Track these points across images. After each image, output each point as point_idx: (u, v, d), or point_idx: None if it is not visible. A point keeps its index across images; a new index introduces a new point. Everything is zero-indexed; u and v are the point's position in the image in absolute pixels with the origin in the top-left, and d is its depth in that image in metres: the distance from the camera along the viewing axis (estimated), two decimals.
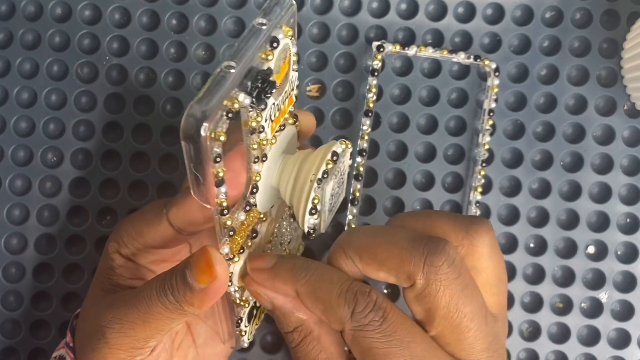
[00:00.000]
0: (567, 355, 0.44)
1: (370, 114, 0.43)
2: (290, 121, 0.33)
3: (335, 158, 0.31)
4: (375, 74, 0.43)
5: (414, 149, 0.45)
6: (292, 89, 0.32)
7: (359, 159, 0.43)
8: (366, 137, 0.43)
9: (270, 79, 0.28)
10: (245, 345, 0.37)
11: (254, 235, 0.33)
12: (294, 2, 0.29)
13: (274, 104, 0.30)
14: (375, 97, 0.43)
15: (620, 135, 0.44)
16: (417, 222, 0.33)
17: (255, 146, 0.30)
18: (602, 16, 0.44)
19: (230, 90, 0.27)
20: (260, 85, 0.28)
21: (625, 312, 0.45)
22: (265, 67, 0.28)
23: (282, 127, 0.32)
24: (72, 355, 0.35)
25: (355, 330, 0.30)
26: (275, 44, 0.28)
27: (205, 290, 0.31)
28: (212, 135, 0.26)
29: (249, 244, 0.33)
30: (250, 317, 0.36)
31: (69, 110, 0.44)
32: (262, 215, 0.33)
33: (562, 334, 0.45)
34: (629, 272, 0.44)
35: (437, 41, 0.45)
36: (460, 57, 0.43)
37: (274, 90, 0.29)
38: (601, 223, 0.45)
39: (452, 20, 0.44)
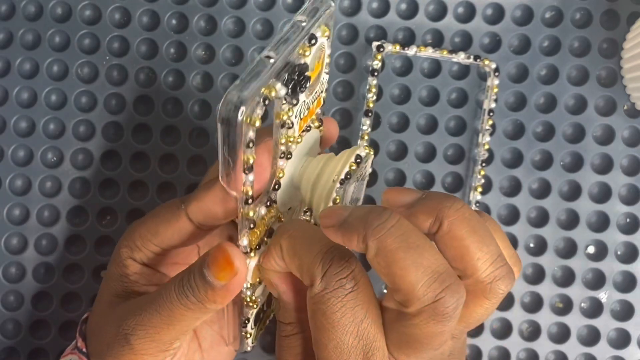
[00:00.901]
0: (567, 355, 0.44)
1: (370, 114, 0.43)
2: (316, 124, 0.33)
3: (358, 161, 0.32)
4: (375, 74, 0.43)
5: (414, 149, 0.45)
6: (322, 91, 0.33)
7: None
8: (366, 137, 0.43)
9: (306, 73, 0.29)
10: (249, 349, 0.37)
11: (271, 234, 0.33)
12: (333, 4, 0.30)
13: (304, 101, 0.31)
14: (375, 97, 0.43)
15: (620, 135, 0.44)
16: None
17: (283, 141, 0.30)
18: (602, 16, 0.44)
19: (268, 79, 0.27)
20: (297, 78, 0.29)
21: (625, 312, 0.45)
22: (302, 62, 0.29)
23: (308, 128, 0.33)
24: (84, 359, 0.35)
25: (321, 291, 0.29)
26: (313, 41, 0.29)
27: (227, 286, 0.31)
28: (248, 121, 0.27)
29: (266, 241, 0.33)
30: (257, 319, 0.36)
31: (69, 110, 0.44)
32: (280, 215, 0.33)
33: (562, 334, 0.45)
34: (628, 272, 0.44)
35: (437, 41, 0.45)
36: (460, 57, 0.43)
37: (308, 85, 0.29)
38: (601, 223, 0.45)
39: (452, 21, 0.44)
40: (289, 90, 0.29)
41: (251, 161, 0.28)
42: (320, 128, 0.34)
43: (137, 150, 0.44)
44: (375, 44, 0.43)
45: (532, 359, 0.45)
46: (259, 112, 0.27)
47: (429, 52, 0.43)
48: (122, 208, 0.44)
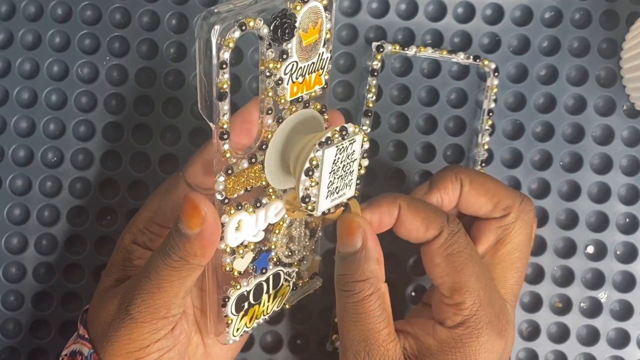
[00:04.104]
0: (566, 355, 0.44)
1: (369, 114, 0.43)
2: (318, 107, 0.34)
3: (344, 133, 0.32)
4: (375, 74, 0.43)
5: (413, 149, 0.45)
6: (323, 69, 0.33)
7: None
8: (366, 137, 0.43)
9: (293, 22, 0.30)
10: (231, 341, 0.37)
11: (258, 204, 0.34)
12: None
13: (296, 62, 0.31)
14: (374, 97, 0.43)
15: (619, 136, 0.44)
16: (478, 191, 0.37)
17: (270, 94, 0.31)
18: (602, 16, 0.44)
19: (250, 12, 0.29)
20: (280, 20, 0.30)
21: (624, 311, 0.45)
22: (288, 9, 0.30)
23: (306, 105, 0.34)
24: (89, 345, 0.36)
25: (450, 234, 0.35)
26: None
27: (201, 234, 0.32)
28: (220, 41, 0.28)
29: (250, 209, 0.33)
30: (239, 307, 0.36)
31: (69, 110, 0.44)
32: (269, 188, 0.34)
33: (561, 334, 0.45)
34: (628, 272, 0.45)
35: (437, 41, 0.45)
36: (460, 58, 0.43)
37: (293, 34, 0.30)
38: (600, 223, 0.45)
39: (451, 21, 0.45)
40: (271, 31, 0.30)
41: (225, 87, 0.29)
42: (325, 116, 0.35)
43: (137, 150, 0.44)
44: (375, 44, 0.43)
45: (531, 359, 0.45)
46: (234, 35, 0.28)
47: (428, 53, 0.43)
48: (122, 208, 0.44)
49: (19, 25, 0.44)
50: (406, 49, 0.43)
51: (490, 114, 0.44)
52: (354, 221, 0.35)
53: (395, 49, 0.43)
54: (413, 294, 0.45)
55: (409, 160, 0.45)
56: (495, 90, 0.44)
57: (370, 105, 0.43)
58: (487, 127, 0.44)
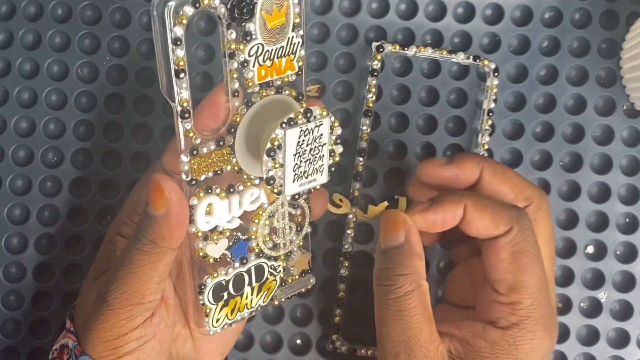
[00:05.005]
0: (566, 355, 0.44)
1: (369, 114, 0.43)
2: (294, 94, 0.34)
3: (308, 114, 0.33)
4: (375, 74, 0.43)
5: (413, 149, 0.45)
6: (294, 54, 0.33)
7: (359, 159, 0.43)
8: (366, 137, 0.43)
9: (251, 3, 0.31)
10: (211, 332, 0.37)
11: (231, 190, 0.34)
12: None
13: (262, 45, 0.32)
14: (374, 98, 0.43)
15: (619, 136, 0.44)
16: (500, 180, 0.37)
17: (235, 75, 0.32)
18: (602, 16, 0.44)
19: None
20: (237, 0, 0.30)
21: (624, 311, 0.45)
22: None
23: (279, 90, 0.34)
24: (73, 337, 0.36)
25: (521, 230, 0.34)
26: None
27: (167, 215, 0.32)
28: (174, 18, 0.29)
29: (222, 194, 0.34)
30: (217, 297, 0.36)
31: (69, 110, 0.44)
32: (244, 174, 0.34)
33: (561, 334, 0.45)
34: (628, 272, 0.45)
35: (437, 41, 0.45)
36: (460, 58, 0.43)
37: (252, 15, 0.31)
38: (600, 223, 0.45)
39: (451, 21, 0.45)
40: (228, 10, 0.30)
41: (182, 64, 0.30)
42: (303, 104, 0.35)
43: (137, 150, 0.44)
44: (374, 44, 0.43)
45: None
46: (188, 11, 0.29)
47: (428, 53, 0.43)
48: (121, 208, 0.44)
49: (19, 25, 0.44)
50: (406, 49, 0.43)
51: (490, 114, 0.44)
52: (399, 216, 0.34)
53: (395, 49, 0.43)
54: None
55: (409, 160, 0.45)
56: (495, 90, 0.44)
57: (370, 105, 0.43)
58: (487, 127, 0.44)
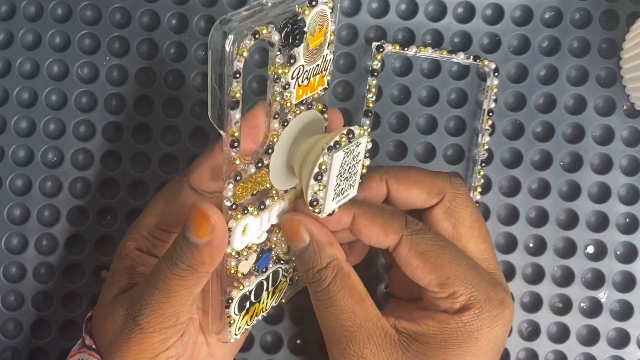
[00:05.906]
0: (566, 355, 0.44)
1: (370, 114, 0.43)
2: (319, 107, 0.34)
3: (350, 136, 0.32)
4: (375, 74, 0.43)
5: (413, 149, 0.45)
6: (326, 70, 0.33)
7: None
8: (369, 138, 0.43)
9: (302, 27, 0.30)
10: (232, 340, 0.37)
11: (262, 207, 0.34)
12: None
13: (302, 66, 0.31)
14: (374, 97, 0.43)
15: (619, 136, 0.44)
16: (406, 184, 0.37)
17: (277, 99, 0.31)
18: (602, 16, 0.44)
19: (262, 20, 0.29)
20: (291, 27, 0.30)
21: (624, 311, 0.45)
22: (298, 15, 0.30)
23: (309, 106, 0.34)
24: (97, 356, 0.35)
25: (412, 235, 0.34)
26: (314, 3, 0.30)
27: (210, 242, 0.31)
28: (235, 50, 0.28)
29: (255, 212, 0.33)
30: (241, 307, 0.36)
31: (69, 110, 0.44)
32: (273, 190, 0.34)
33: (561, 334, 0.45)
34: (628, 272, 0.45)
35: (437, 41, 0.45)
36: (460, 58, 0.43)
37: (302, 39, 0.30)
38: (600, 223, 0.45)
39: (451, 21, 0.45)
40: (282, 38, 0.29)
41: (238, 96, 0.29)
42: (325, 115, 0.35)
43: (137, 150, 0.44)
44: (375, 44, 0.43)
45: (531, 359, 0.45)
46: (248, 43, 0.28)
47: (428, 53, 0.43)
48: (122, 208, 0.44)
49: (19, 25, 0.44)
50: (406, 49, 0.43)
51: (490, 114, 0.44)
52: (293, 219, 0.34)
53: (395, 49, 0.43)
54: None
55: (409, 160, 0.45)
56: (495, 90, 0.44)
57: (370, 105, 0.43)
58: (487, 127, 0.44)
